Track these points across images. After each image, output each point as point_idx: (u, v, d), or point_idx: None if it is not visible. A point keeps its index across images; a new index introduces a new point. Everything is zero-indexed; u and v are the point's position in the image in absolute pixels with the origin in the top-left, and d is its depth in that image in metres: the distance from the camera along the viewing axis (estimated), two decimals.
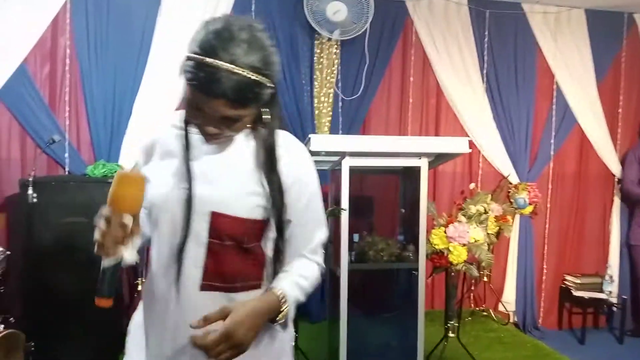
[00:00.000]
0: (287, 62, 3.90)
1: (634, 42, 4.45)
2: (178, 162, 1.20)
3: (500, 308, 4.38)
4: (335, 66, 4.02)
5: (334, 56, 4.01)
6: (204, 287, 1.18)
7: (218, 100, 1.06)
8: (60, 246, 3.19)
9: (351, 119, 4.08)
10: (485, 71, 4.24)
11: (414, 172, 2.87)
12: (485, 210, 3.10)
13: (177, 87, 3.74)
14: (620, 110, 4.48)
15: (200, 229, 1.17)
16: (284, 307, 1.15)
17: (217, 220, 1.16)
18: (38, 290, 3.12)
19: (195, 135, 1.20)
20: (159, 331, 1.23)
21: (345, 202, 2.76)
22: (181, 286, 1.18)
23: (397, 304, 3.05)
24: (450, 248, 2.93)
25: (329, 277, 3.18)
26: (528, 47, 4.30)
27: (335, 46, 4.01)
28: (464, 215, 2.99)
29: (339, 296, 2.78)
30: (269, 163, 1.19)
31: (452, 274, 3.09)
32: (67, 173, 3.60)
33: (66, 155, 3.59)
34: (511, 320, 4.36)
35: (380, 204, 3.37)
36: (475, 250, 2.96)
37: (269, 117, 1.18)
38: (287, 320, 1.20)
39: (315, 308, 3.93)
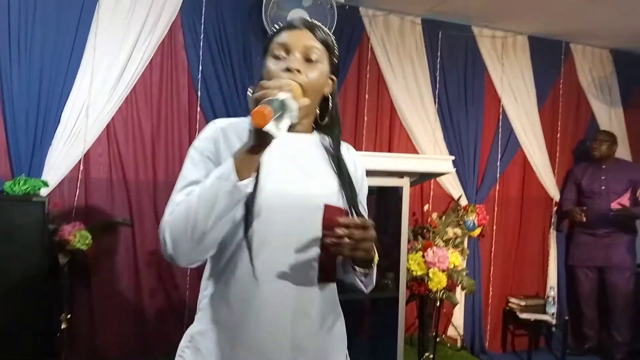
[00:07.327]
0: (239, 72, 3.62)
1: (570, 71, 4.64)
2: (273, 158, 1.16)
3: (451, 332, 4.30)
4: None
5: None
6: (321, 279, 1.23)
7: (302, 30, 1.25)
8: None
9: None
10: (437, 92, 4.20)
11: (391, 192, 2.70)
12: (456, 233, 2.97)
13: (114, 92, 3.35)
14: (558, 136, 4.64)
15: (317, 223, 1.18)
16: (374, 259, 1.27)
17: (329, 212, 1.19)
18: None
19: None
20: (268, 335, 1.20)
21: None
22: (299, 285, 1.20)
23: (372, 332, 2.83)
24: (430, 274, 2.77)
25: None
26: (477, 70, 4.32)
27: None
28: (441, 239, 2.85)
29: None
30: (333, 150, 1.29)
31: (429, 301, 2.93)
32: None
33: None
34: (459, 345, 4.29)
35: None
36: (456, 277, 2.82)
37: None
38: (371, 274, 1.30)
39: None
